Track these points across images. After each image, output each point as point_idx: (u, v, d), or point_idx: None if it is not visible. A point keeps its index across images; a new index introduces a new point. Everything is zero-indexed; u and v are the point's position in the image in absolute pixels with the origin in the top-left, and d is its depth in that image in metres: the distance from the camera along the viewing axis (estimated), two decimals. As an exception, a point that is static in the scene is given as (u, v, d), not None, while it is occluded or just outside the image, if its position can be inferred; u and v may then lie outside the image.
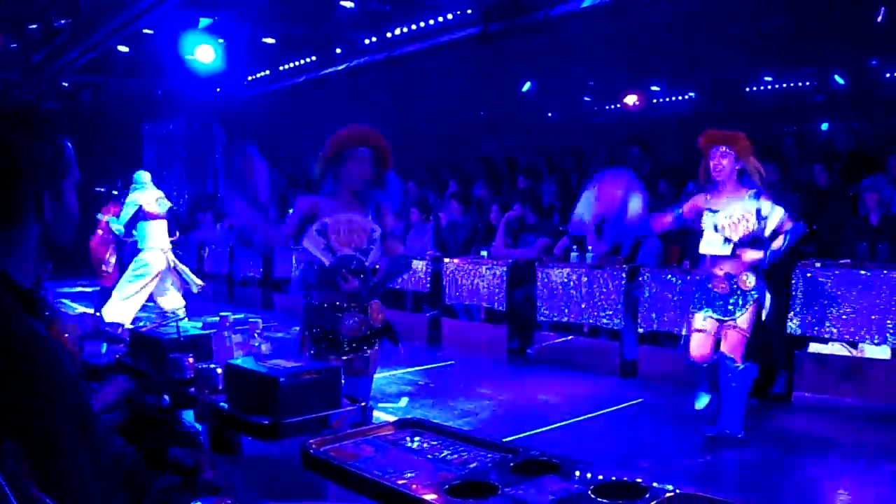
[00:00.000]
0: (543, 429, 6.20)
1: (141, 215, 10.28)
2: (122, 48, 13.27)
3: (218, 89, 16.06)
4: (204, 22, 12.25)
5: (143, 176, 10.56)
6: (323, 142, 4.43)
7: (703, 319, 5.68)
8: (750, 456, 5.55)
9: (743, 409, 5.66)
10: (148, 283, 10.19)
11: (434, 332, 10.04)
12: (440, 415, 6.45)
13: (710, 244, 5.66)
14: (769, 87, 15.42)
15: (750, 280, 5.54)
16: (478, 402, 7.05)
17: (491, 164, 13.38)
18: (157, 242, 10.27)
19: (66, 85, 16.28)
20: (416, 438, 2.60)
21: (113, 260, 11.73)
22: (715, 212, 5.62)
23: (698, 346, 5.70)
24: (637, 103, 15.38)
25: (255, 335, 3.74)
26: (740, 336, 5.58)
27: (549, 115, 17.91)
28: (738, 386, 5.58)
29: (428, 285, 10.04)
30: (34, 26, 12.10)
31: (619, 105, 15.91)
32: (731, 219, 5.55)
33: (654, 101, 16.39)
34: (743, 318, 5.56)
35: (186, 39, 12.38)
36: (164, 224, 10.37)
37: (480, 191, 11.95)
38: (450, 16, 12.51)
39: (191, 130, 15.52)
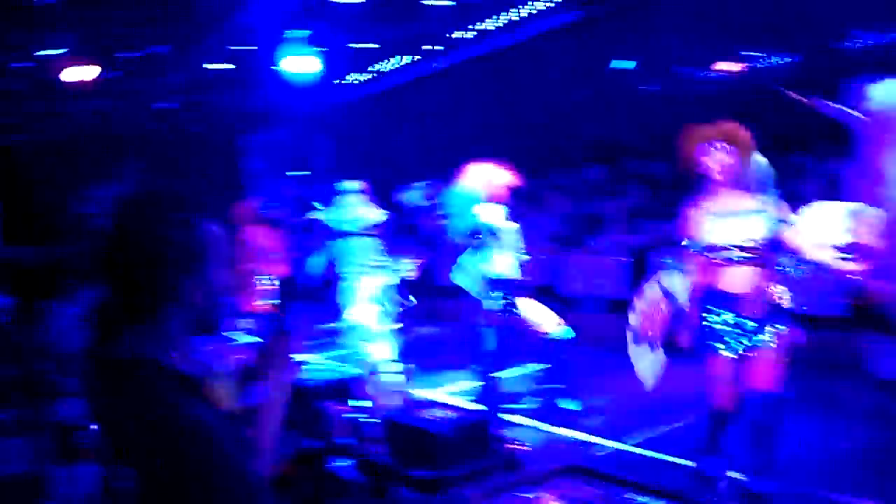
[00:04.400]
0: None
1: None
2: (217, 66, 13.50)
3: (317, 97, 16.31)
4: (299, 34, 12.45)
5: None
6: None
7: None
8: None
9: None
10: None
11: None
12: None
13: None
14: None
15: None
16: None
17: (598, 147, 13.19)
18: None
19: (163, 106, 16.69)
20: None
21: None
22: None
23: None
24: (735, 69, 14.93)
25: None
26: None
27: (645, 88, 17.59)
28: None
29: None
30: (125, 55, 12.38)
31: (716, 73, 15.46)
32: None
33: (753, 66, 15.84)
34: None
35: (283, 53, 12.64)
36: None
37: (591, 176, 11.83)
38: (541, 5, 12.47)
39: (295, 140, 15.77)
